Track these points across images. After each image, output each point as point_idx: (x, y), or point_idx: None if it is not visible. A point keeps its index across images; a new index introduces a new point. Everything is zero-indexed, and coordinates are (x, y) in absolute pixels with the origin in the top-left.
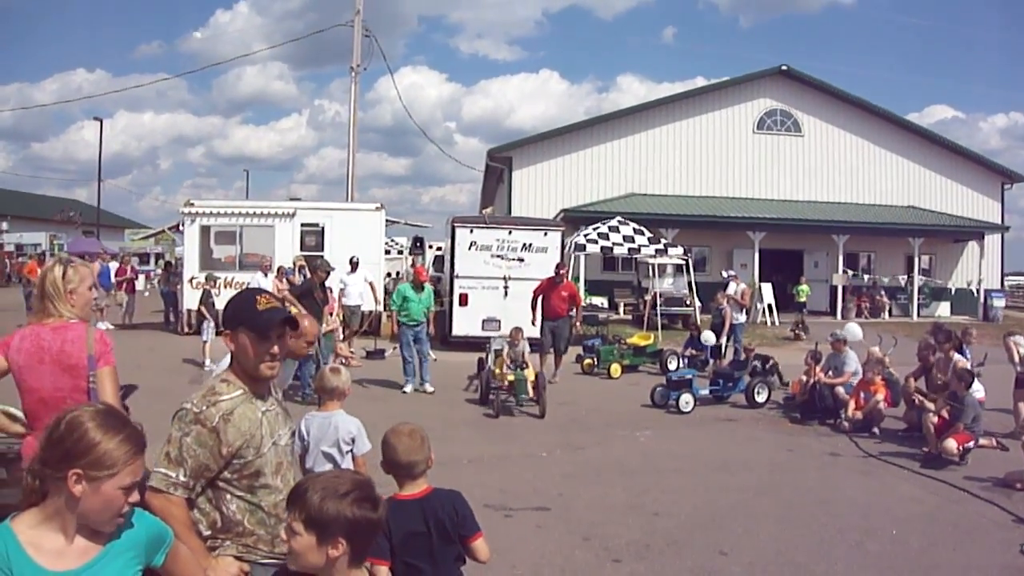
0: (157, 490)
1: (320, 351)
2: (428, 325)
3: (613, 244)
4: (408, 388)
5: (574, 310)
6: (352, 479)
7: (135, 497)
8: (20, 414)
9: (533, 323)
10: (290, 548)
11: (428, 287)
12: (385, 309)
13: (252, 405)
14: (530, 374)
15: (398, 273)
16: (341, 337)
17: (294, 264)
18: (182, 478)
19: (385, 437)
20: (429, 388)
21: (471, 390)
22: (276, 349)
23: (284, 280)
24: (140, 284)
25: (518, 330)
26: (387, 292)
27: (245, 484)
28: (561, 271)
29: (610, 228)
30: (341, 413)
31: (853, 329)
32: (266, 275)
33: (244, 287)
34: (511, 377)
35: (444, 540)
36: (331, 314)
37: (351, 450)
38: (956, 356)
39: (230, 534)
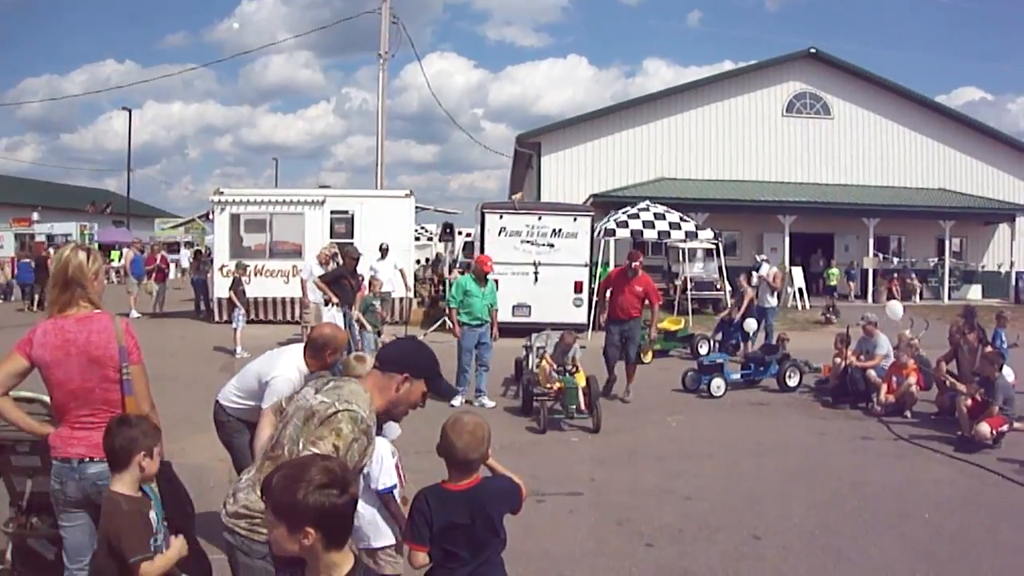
0: None
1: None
2: (492, 327)
3: (643, 229)
4: (457, 401)
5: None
6: (316, 465)
7: None
8: (45, 398)
9: (602, 325)
10: (271, 537)
11: (492, 281)
12: (415, 295)
13: None
14: (580, 379)
15: (427, 259)
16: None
17: (329, 251)
18: None
19: (447, 428)
20: (488, 402)
21: (510, 396)
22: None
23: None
24: (172, 272)
25: (570, 334)
26: (417, 279)
27: None
28: (636, 263)
29: (640, 213)
30: None
31: (894, 308)
32: (322, 265)
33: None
34: (559, 384)
35: (488, 531)
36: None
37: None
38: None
39: None
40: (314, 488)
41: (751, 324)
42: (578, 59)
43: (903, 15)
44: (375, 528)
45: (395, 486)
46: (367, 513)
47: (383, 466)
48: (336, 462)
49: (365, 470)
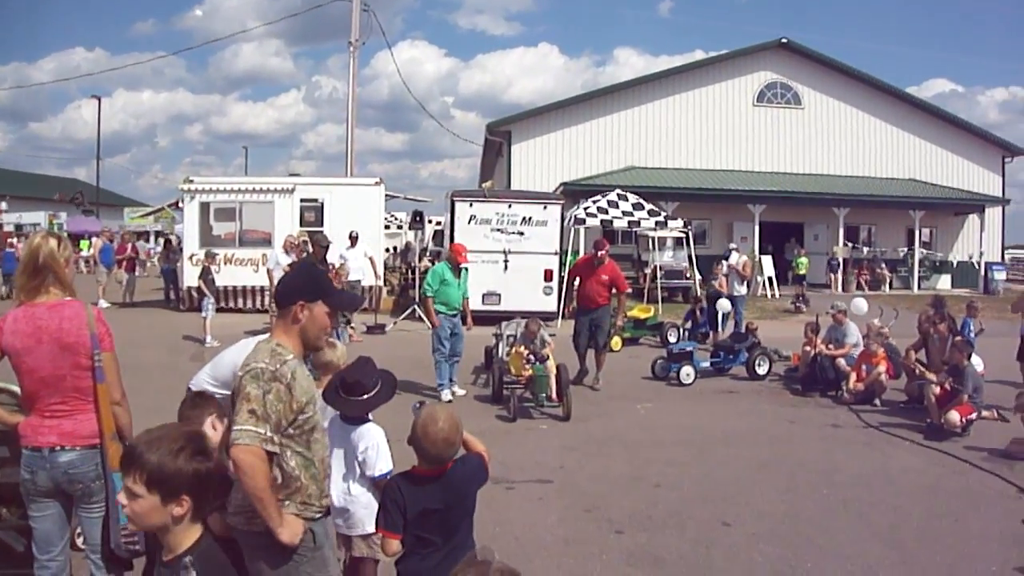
0: (248, 446)
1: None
2: (466, 316)
3: (613, 217)
4: (447, 394)
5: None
6: (182, 433)
7: None
8: (14, 388)
9: (570, 312)
10: (131, 511)
11: (467, 270)
12: (385, 284)
13: (303, 367)
14: (551, 368)
15: (395, 248)
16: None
17: (297, 240)
18: (269, 433)
19: (419, 431)
20: (458, 391)
21: (480, 384)
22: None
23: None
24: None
25: (535, 321)
26: (387, 267)
27: (304, 439)
28: (601, 251)
29: (609, 201)
30: None
31: (859, 304)
32: (288, 253)
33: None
34: (529, 372)
35: (461, 513)
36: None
37: None
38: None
39: (289, 490)
40: (189, 455)
41: (724, 304)
42: (549, 48)
43: (874, 6)
44: (370, 514)
45: (391, 471)
46: (364, 499)
47: (379, 452)
48: (196, 431)
49: (322, 422)
